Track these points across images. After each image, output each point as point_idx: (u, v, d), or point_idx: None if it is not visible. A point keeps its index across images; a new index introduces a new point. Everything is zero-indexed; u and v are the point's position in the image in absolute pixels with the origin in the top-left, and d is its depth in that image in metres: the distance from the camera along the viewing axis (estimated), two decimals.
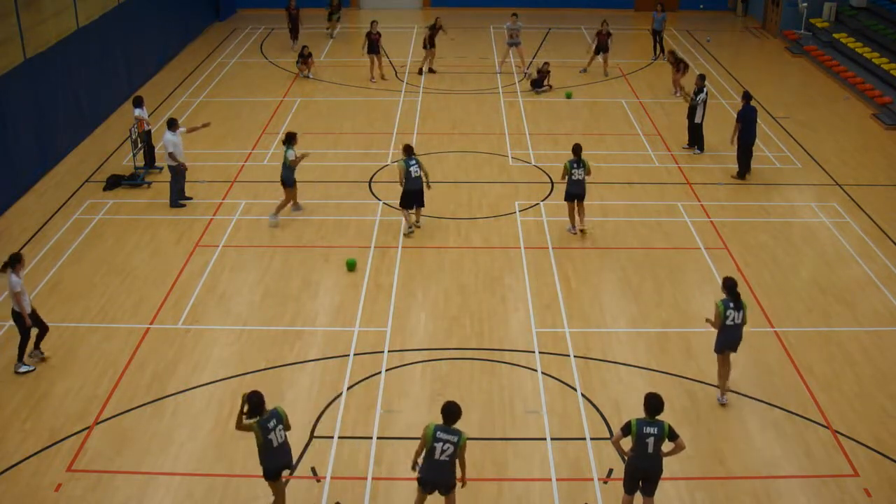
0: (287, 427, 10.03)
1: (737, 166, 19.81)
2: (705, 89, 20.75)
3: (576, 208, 17.06)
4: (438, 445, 9.66)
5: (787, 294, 15.32)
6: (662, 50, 29.10)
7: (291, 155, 17.10)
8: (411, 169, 16.61)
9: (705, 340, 13.88)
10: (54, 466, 11.32)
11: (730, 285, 12.09)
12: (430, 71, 27.57)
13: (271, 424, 9.84)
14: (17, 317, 12.96)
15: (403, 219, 17.28)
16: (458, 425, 9.76)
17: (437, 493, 9.97)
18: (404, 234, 17.08)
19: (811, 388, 12.88)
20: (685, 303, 15.01)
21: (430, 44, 27.29)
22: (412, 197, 16.89)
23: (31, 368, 13.17)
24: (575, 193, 16.85)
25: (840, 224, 17.84)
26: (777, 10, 32.60)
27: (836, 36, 29.42)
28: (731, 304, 12.02)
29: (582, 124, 23.21)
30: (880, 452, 11.60)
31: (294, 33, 30.04)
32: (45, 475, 11.17)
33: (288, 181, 17.36)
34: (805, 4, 30.54)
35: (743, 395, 12.63)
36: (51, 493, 10.88)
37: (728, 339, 12.15)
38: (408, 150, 16.86)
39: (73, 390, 12.77)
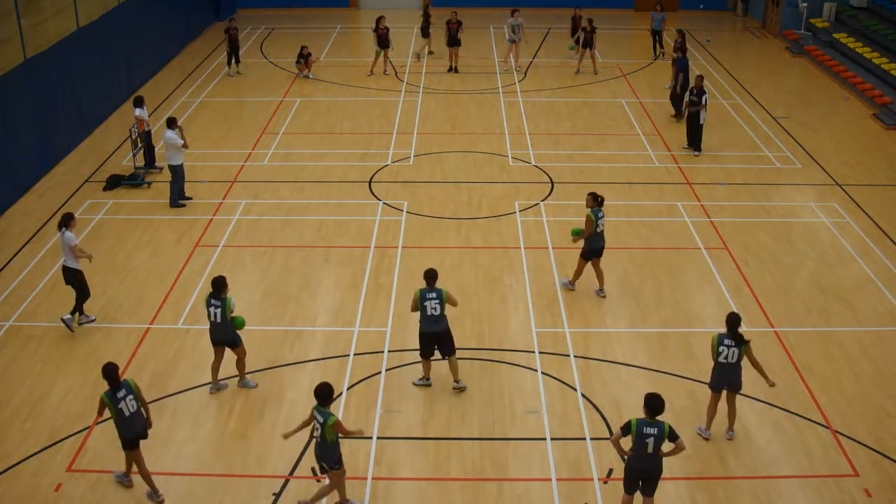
0: (137, 398, 10.48)
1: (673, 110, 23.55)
2: (706, 91, 20.68)
3: (586, 266, 14.93)
4: (315, 425, 10.19)
5: (787, 294, 15.32)
6: (662, 50, 29.13)
7: (234, 305, 12.48)
8: (426, 304, 12.25)
9: (706, 340, 13.87)
10: (54, 466, 11.32)
11: (730, 322, 11.40)
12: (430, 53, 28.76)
13: (120, 394, 10.34)
14: (72, 274, 14.02)
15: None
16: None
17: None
18: (414, 383, 12.97)
19: (811, 388, 12.88)
20: (685, 303, 15.01)
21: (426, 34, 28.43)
22: (426, 340, 12.51)
23: (93, 318, 14.41)
24: (599, 248, 14.73)
25: (840, 224, 17.84)
26: (777, 10, 32.61)
27: (836, 36, 29.41)
28: (726, 341, 11.36)
29: (582, 124, 23.22)
30: (880, 452, 11.60)
31: (233, 56, 27.05)
32: (45, 475, 11.17)
33: (238, 339, 12.68)
34: (805, 4, 30.54)
35: (743, 395, 12.60)
36: (51, 493, 10.89)
37: (721, 377, 11.53)
38: (428, 278, 12.37)
39: (73, 390, 12.77)
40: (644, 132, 22.63)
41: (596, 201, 14.71)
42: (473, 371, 13.20)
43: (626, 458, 10.13)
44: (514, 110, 24.25)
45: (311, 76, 27.05)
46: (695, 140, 21.18)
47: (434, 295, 12.19)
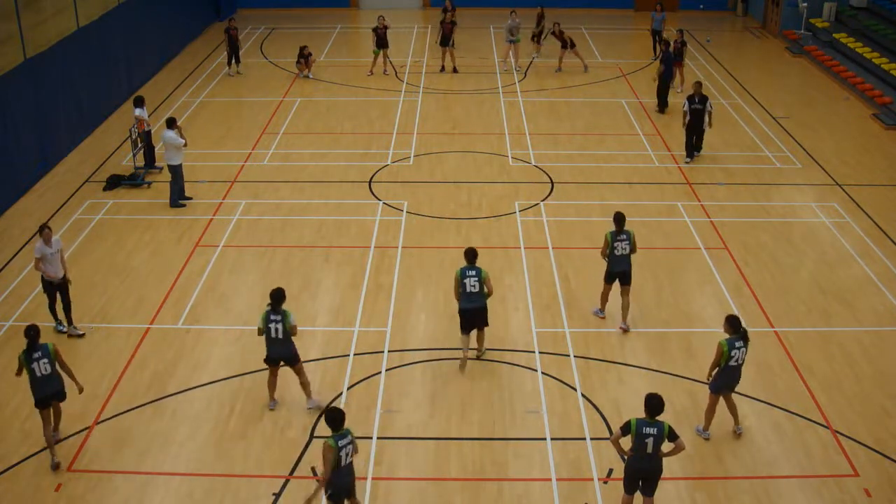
0: (53, 362, 11.06)
1: (657, 101, 24.14)
2: (707, 97, 20.43)
3: (611, 291, 14.18)
4: (343, 454, 9.54)
5: (787, 294, 15.32)
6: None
7: (294, 319, 12.03)
8: (465, 281, 12.79)
9: (706, 340, 13.87)
10: None
11: (733, 323, 11.39)
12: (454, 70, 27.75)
13: (35, 356, 10.96)
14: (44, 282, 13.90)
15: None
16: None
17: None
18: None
19: (811, 388, 12.88)
20: (685, 303, 15.01)
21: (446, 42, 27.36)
22: (465, 316, 13.00)
23: (82, 334, 14.15)
24: (617, 272, 13.86)
25: (840, 224, 17.84)
26: (777, 10, 32.61)
27: (836, 36, 29.42)
28: (737, 343, 11.33)
29: (582, 124, 23.22)
30: (880, 452, 11.60)
31: (233, 56, 26.96)
32: (45, 475, 11.16)
33: (297, 355, 12.18)
34: (805, 4, 30.55)
35: (743, 395, 12.62)
36: (51, 493, 10.89)
37: (731, 379, 11.56)
38: (469, 256, 12.90)
39: (72, 390, 12.73)
40: (644, 132, 22.62)
41: (617, 223, 13.79)
42: (474, 371, 13.19)
43: (625, 458, 10.13)
44: (514, 110, 24.25)
45: (311, 76, 27.05)
46: (696, 144, 20.90)
47: (474, 273, 12.78)
